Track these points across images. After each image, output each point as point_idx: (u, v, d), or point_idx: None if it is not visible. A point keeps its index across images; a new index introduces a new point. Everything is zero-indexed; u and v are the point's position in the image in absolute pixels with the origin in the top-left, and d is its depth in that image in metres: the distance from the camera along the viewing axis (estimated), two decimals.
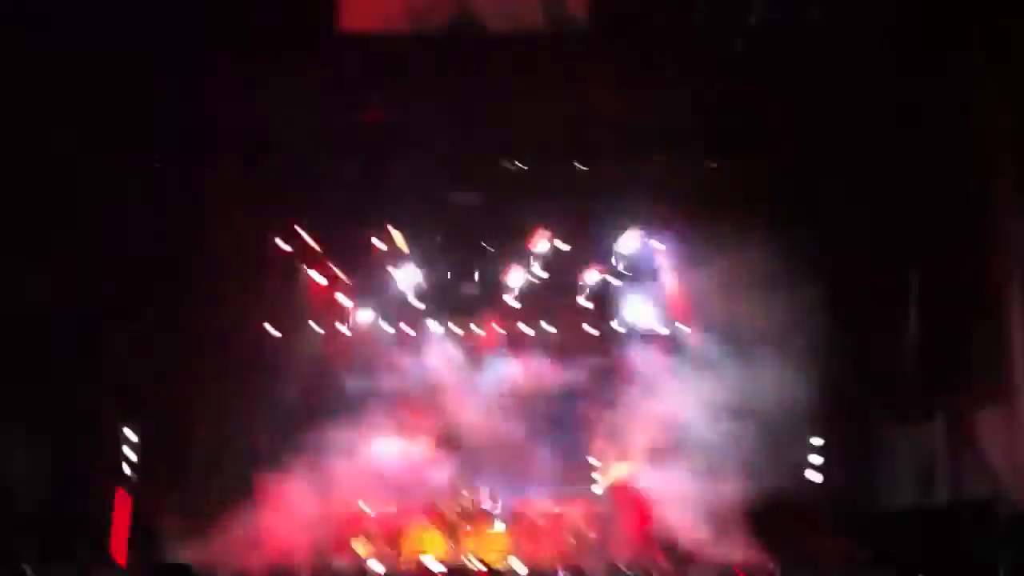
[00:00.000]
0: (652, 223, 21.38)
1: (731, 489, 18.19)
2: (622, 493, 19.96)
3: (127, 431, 18.71)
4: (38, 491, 16.51)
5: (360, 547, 19.29)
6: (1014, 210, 15.24)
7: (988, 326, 15.61)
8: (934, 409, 17.29)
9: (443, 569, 18.51)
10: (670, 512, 18.56)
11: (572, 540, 19.67)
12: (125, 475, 18.51)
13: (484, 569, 17.65)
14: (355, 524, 19.80)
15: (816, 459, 19.17)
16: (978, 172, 15.76)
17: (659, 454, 19.39)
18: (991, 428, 15.94)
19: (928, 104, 16.61)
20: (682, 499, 18.42)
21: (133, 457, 18.86)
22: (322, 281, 22.01)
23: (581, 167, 21.11)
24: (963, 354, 16.27)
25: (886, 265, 17.75)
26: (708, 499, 18.20)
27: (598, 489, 20.84)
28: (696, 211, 20.06)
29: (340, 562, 18.21)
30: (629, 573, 16.51)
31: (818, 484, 19.06)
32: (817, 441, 19.21)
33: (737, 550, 17.35)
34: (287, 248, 21.28)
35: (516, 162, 21.30)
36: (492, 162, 21.25)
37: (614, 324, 22.28)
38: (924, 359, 17.25)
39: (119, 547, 17.98)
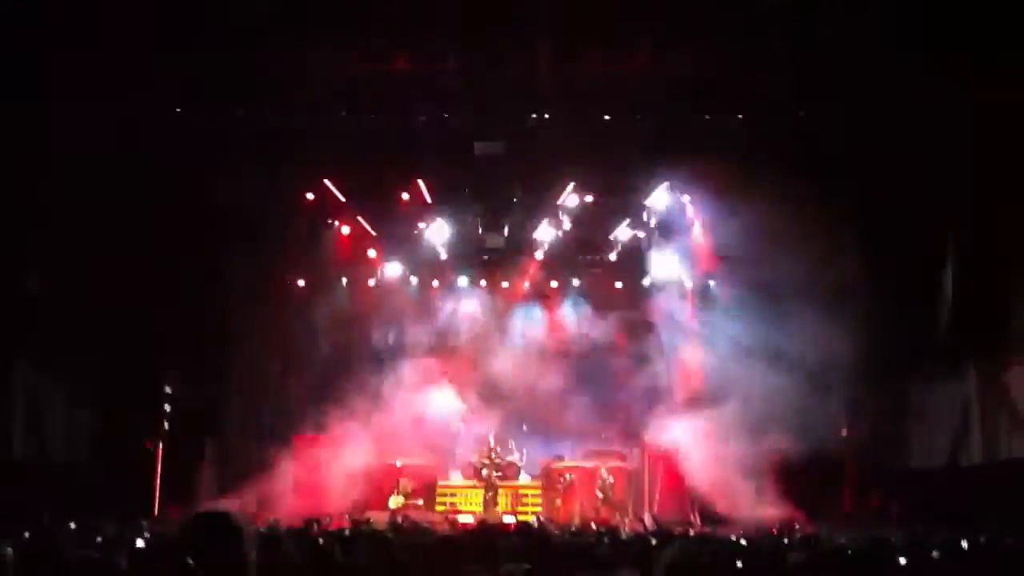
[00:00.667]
0: (682, 176, 21.16)
1: (764, 445, 18.20)
2: (653, 449, 20.04)
3: (166, 387, 18.80)
4: (81, 446, 16.65)
5: (395, 502, 19.47)
6: None
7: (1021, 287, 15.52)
8: (968, 368, 17.24)
9: (473, 521, 18.70)
10: (702, 468, 18.66)
11: (603, 496, 19.80)
12: (164, 430, 18.66)
13: (514, 523, 17.81)
14: (390, 478, 20.00)
15: (849, 415, 19.06)
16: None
17: (690, 410, 19.37)
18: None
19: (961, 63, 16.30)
20: (714, 455, 18.49)
21: (171, 412, 18.98)
22: (349, 233, 22.06)
23: (610, 120, 20.93)
24: (998, 315, 16.14)
25: (923, 223, 17.55)
26: (740, 455, 18.24)
27: (629, 445, 20.93)
28: (727, 164, 19.80)
29: (376, 514, 18.33)
30: (660, 529, 16.58)
31: (851, 440, 18.99)
32: (851, 397, 19.09)
33: (770, 506, 17.44)
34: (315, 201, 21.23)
35: (545, 114, 21.09)
36: (520, 113, 21.06)
37: (644, 279, 22.23)
38: (960, 318, 17.14)
39: (158, 498, 18.23)
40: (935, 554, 7.69)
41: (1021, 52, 14.73)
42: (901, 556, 7.45)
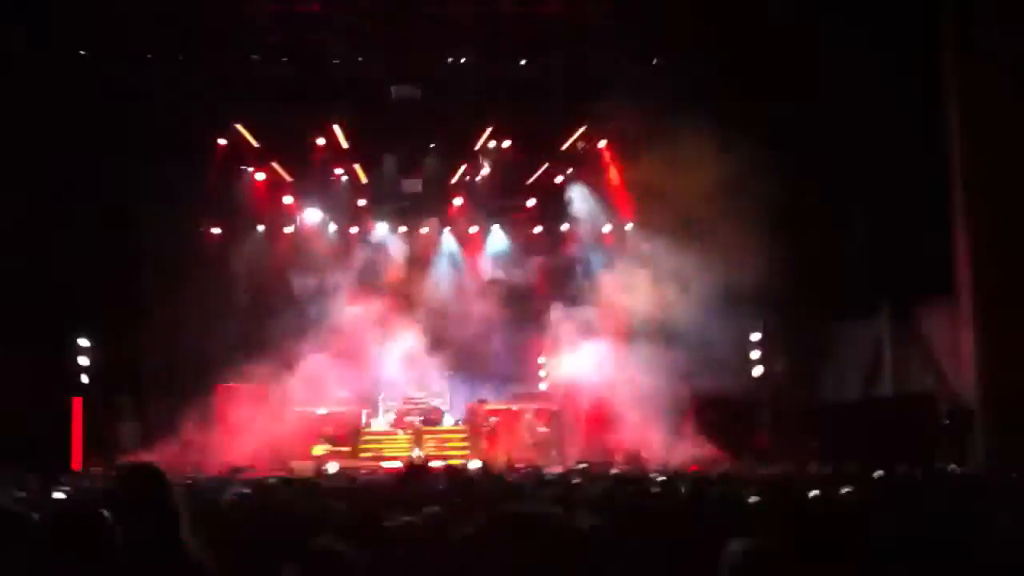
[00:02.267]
0: (598, 120, 21.25)
1: (682, 384, 18.60)
2: (572, 391, 20.32)
3: (81, 342, 18.35)
4: None
5: (319, 450, 19.42)
6: (960, 132, 15.51)
7: (934, 230, 16.00)
8: (881, 309, 17.78)
9: (399, 466, 18.76)
10: (623, 408, 18.99)
11: (529, 438, 20.03)
12: (82, 385, 18.26)
13: (441, 465, 17.93)
14: (313, 427, 19.93)
15: (766, 354, 19.53)
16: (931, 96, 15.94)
17: (606, 352, 19.65)
18: (935, 324, 16.51)
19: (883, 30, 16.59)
20: (635, 395, 18.81)
21: (88, 368, 18.55)
22: (264, 181, 21.71)
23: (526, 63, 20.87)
24: (909, 254, 16.63)
25: (837, 167, 17.90)
26: (661, 395, 18.59)
27: (547, 387, 21.17)
28: (643, 107, 19.91)
29: (300, 463, 18.30)
30: (584, 468, 16.87)
31: (768, 378, 19.49)
32: (763, 337, 19.55)
33: (686, 445, 17.85)
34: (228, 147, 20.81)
35: (462, 58, 20.93)
36: (437, 57, 20.87)
37: (563, 223, 22.36)
38: (872, 258, 17.61)
39: (77, 454, 17.90)
40: (847, 488, 7.97)
41: None
42: (813, 489, 7.70)
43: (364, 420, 20.79)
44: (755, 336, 19.50)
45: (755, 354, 19.46)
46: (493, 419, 20.13)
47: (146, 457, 16.88)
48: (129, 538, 4.13)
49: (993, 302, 14.77)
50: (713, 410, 18.72)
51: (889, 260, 16.97)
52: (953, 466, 12.03)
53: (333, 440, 19.67)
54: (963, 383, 15.34)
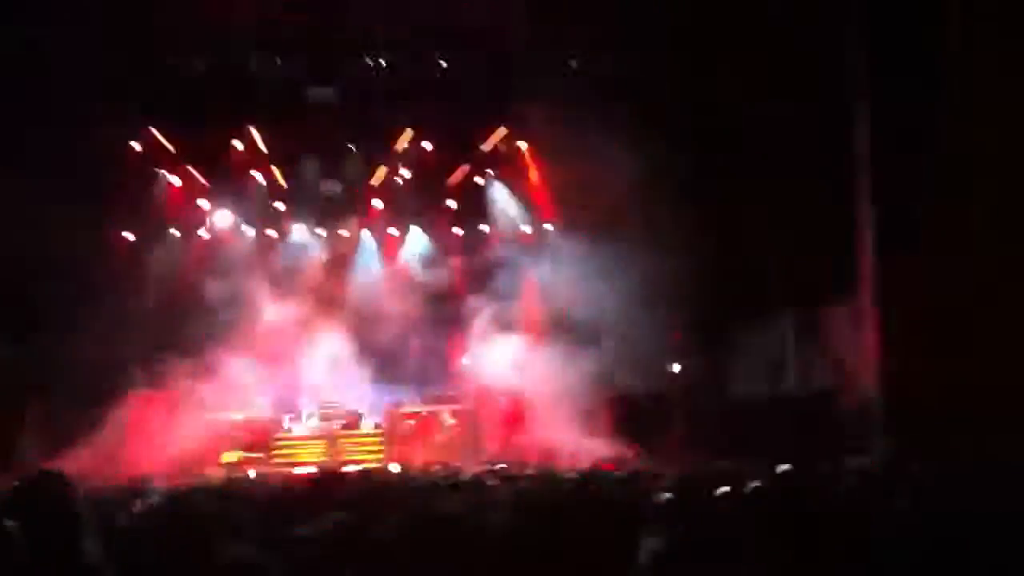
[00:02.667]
0: (518, 121, 21.41)
1: (592, 385, 18.83)
2: (488, 392, 20.42)
3: None
4: None
5: (230, 457, 19.15)
6: (865, 138, 16.02)
7: (837, 231, 16.47)
8: (785, 306, 18.25)
9: (314, 471, 18.61)
10: (535, 409, 19.16)
11: (442, 439, 20.03)
12: None
13: (357, 470, 17.85)
14: (225, 435, 19.64)
15: (673, 353, 19.86)
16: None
17: (523, 352, 19.78)
18: (838, 324, 16.98)
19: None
20: (546, 396, 18.99)
21: None
22: (179, 184, 21.37)
23: (444, 63, 20.97)
24: (813, 254, 17.08)
25: (747, 170, 18.29)
26: (570, 395, 18.79)
27: (465, 388, 21.15)
28: (562, 108, 20.13)
29: (212, 471, 18.02)
30: (497, 468, 16.95)
31: (675, 377, 19.81)
32: (674, 337, 19.88)
33: (599, 444, 18.07)
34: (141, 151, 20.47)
35: (380, 58, 20.94)
36: (354, 58, 20.85)
37: (483, 225, 22.44)
38: (777, 259, 18.06)
39: None
40: (754, 483, 8.15)
41: None
42: (722, 486, 7.86)
43: (286, 425, 20.55)
44: (670, 335, 19.81)
45: (670, 353, 19.79)
46: (409, 422, 20.11)
47: (52, 466, 16.47)
48: (31, 548, 4.08)
49: (892, 299, 15.24)
50: (627, 408, 18.97)
51: (795, 258, 17.40)
52: (857, 460, 12.42)
53: (246, 446, 19.41)
54: (865, 380, 15.82)
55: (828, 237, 16.62)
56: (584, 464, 14.88)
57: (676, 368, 19.85)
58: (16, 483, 4.60)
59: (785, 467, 9.23)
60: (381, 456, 19.69)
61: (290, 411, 20.77)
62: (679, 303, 18.90)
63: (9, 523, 4.03)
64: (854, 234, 16.20)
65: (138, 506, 7.36)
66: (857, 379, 16.16)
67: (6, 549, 4.00)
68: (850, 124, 16.20)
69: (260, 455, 19.43)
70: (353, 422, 20.55)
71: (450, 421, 20.13)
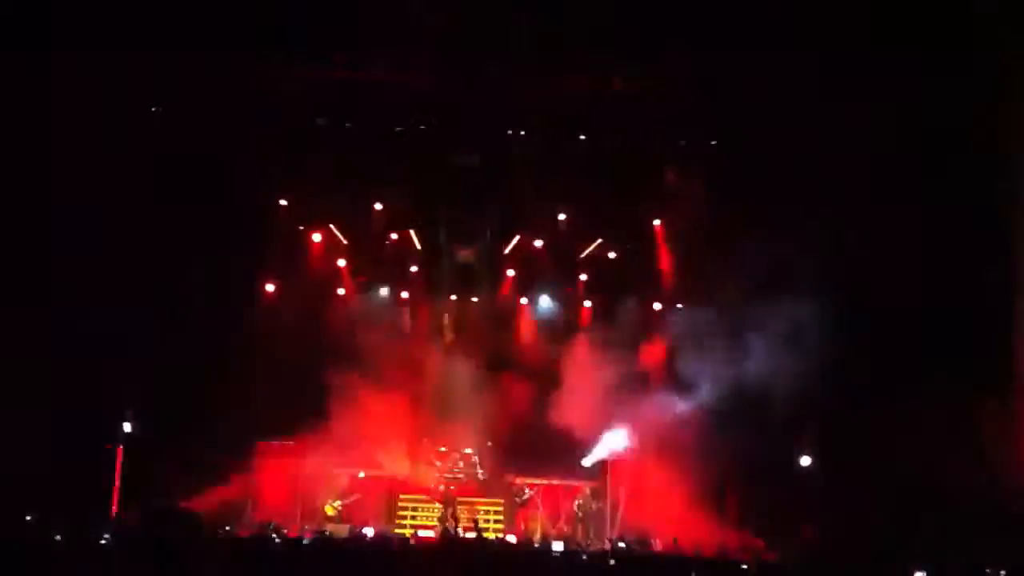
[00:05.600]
0: (654, 201, 21.31)
1: (725, 471, 18.33)
2: (620, 468, 20.10)
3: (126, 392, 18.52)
4: (43, 452, 16.27)
5: (331, 510, 19.24)
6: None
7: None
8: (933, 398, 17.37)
9: (432, 535, 18.63)
10: (663, 490, 18.71)
11: (580, 514, 19.78)
12: (125, 434, 18.38)
13: (474, 536, 17.77)
14: (348, 489, 19.89)
15: (810, 444, 19.10)
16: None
17: (655, 435, 19.39)
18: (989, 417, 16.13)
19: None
20: (678, 476, 18.55)
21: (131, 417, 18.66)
22: (320, 243, 22.03)
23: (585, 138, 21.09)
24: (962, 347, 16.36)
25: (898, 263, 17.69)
26: (701, 479, 18.31)
27: (591, 464, 20.84)
28: (698, 187, 20.00)
29: (334, 526, 18.25)
30: (622, 546, 16.65)
31: (808, 468, 19.02)
32: (810, 426, 19.16)
33: (729, 531, 17.51)
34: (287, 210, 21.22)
35: (521, 131, 21.20)
36: (497, 128, 21.15)
37: (615, 299, 22.28)
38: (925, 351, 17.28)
39: (117, 501, 18.00)
40: None
41: None
42: None
43: (403, 485, 20.59)
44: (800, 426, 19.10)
45: (802, 444, 19.02)
46: (527, 491, 19.91)
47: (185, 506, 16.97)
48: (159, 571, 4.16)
49: None
50: (755, 496, 18.33)
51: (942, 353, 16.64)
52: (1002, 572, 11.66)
53: (344, 497, 19.42)
54: (1016, 480, 14.93)
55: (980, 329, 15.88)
56: (710, 550, 14.46)
57: (805, 462, 19.02)
58: (149, 514, 4.73)
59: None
60: (500, 524, 19.58)
61: (413, 472, 20.83)
62: (814, 393, 18.23)
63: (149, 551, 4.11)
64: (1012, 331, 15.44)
65: (265, 552, 7.42)
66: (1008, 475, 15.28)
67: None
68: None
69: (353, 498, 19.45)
70: (473, 488, 20.47)
71: (589, 496, 19.78)
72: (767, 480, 18.67)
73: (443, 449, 20.74)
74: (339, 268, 22.50)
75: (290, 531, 17.28)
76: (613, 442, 19.97)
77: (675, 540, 16.93)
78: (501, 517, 20.02)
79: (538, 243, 22.37)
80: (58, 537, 9.92)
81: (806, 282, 17.19)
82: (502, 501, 20.41)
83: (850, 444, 17.90)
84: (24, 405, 16.08)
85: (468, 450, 20.79)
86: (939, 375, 16.65)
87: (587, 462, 20.67)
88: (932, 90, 16.55)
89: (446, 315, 22.91)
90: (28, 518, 12.48)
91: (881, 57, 16.67)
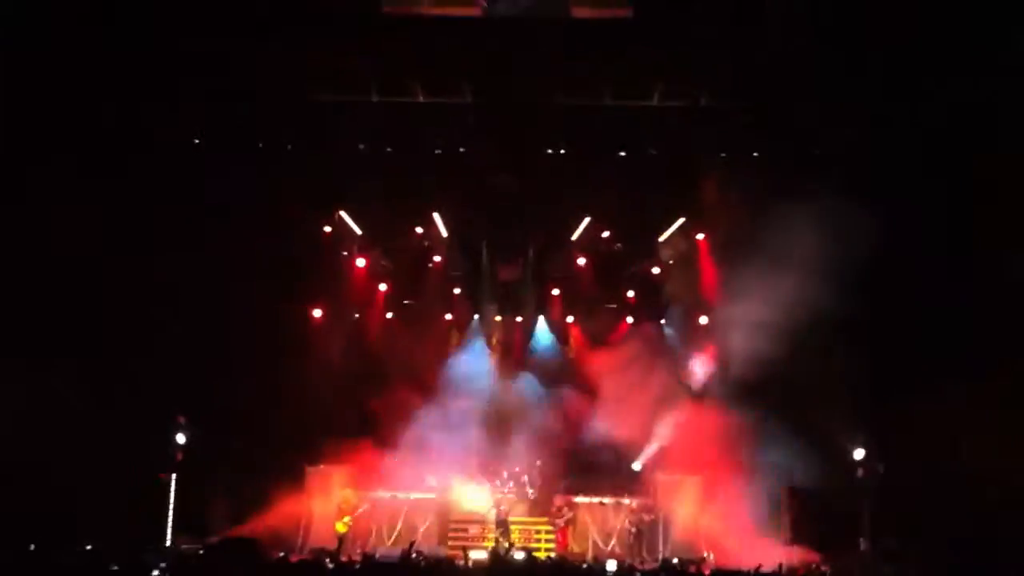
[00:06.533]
0: (696, 212, 21.17)
1: (777, 486, 18.10)
2: (668, 487, 19.94)
3: (178, 420, 18.69)
4: (96, 480, 16.45)
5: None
6: None
7: None
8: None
9: (483, 556, 18.53)
10: (717, 505, 18.53)
11: (635, 531, 19.65)
12: (176, 462, 18.57)
13: (525, 556, 17.66)
14: (398, 512, 19.96)
15: (865, 456, 18.73)
16: None
17: (707, 452, 19.21)
18: None
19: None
20: (730, 493, 18.36)
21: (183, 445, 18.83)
22: (363, 265, 22.16)
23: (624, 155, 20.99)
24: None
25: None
26: (755, 495, 18.11)
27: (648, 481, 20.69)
28: (741, 201, 19.79)
29: (383, 549, 18.27)
30: (675, 564, 16.44)
31: (866, 481, 18.65)
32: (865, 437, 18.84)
33: (785, 546, 17.27)
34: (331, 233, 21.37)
35: (560, 149, 21.17)
36: (535, 148, 21.13)
37: (661, 318, 22.19)
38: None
39: (170, 530, 18.15)
40: None
41: None
42: None
43: (453, 506, 20.56)
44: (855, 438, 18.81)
45: (857, 454, 18.70)
46: (568, 513, 19.80)
47: (235, 532, 17.08)
48: None
49: None
50: (810, 510, 18.05)
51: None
52: None
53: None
54: None
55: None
56: (767, 567, 14.24)
57: (859, 455, 18.62)
58: (212, 546, 4.77)
59: None
60: (552, 544, 19.50)
61: (461, 492, 20.80)
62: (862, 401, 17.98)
63: None
64: None
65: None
66: None
67: None
68: None
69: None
70: (523, 508, 20.40)
71: (623, 514, 19.69)
72: (823, 494, 18.41)
73: (493, 470, 20.68)
74: (381, 292, 22.59)
75: (340, 557, 17.32)
76: (661, 436, 19.82)
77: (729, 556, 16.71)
78: (552, 536, 19.89)
79: (581, 261, 22.35)
80: (115, 568, 10.00)
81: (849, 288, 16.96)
82: (548, 520, 20.27)
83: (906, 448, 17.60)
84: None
85: (517, 469, 20.71)
86: (988, 368, 16.32)
87: (637, 465, 20.57)
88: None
89: (493, 336, 22.96)
90: (87, 547, 12.57)
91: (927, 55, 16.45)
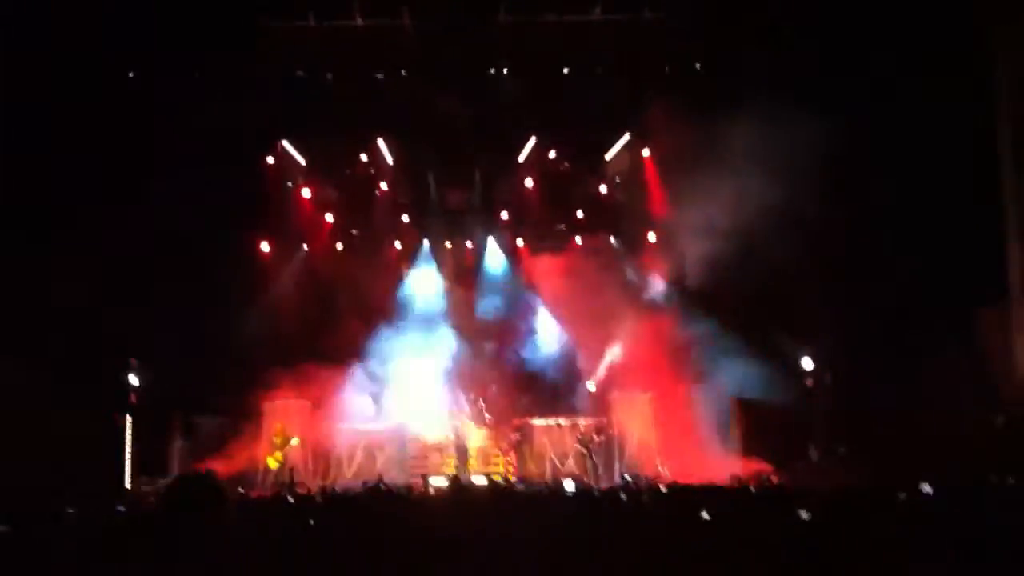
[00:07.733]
0: (642, 130, 21.06)
1: (727, 397, 18.40)
2: (620, 404, 20.18)
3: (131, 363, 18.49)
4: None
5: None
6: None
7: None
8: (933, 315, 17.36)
9: (444, 484, 18.74)
10: (670, 422, 18.83)
11: (584, 451, 19.89)
12: (131, 405, 18.41)
13: (486, 483, 17.89)
14: (355, 443, 20.04)
15: (814, 366, 19.14)
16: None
17: (659, 366, 19.44)
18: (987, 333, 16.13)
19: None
20: (682, 409, 18.64)
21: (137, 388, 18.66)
22: (309, 197, 21.88)
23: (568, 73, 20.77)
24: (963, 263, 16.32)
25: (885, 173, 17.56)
26: (706, 408, 18.40)
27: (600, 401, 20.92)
28: (687, 116, 19.68)
29: (345, 480, 18.42)
30: (631, 481, 16.77)
31: (816, 390, 19.07)
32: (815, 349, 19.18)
33: (737, 458, 17.66)
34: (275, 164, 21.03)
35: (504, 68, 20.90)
36: (480, 69, 20.84)
37: (611, 236, 22.21)
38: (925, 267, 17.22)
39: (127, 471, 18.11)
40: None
41: None
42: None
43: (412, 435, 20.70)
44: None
45: (806, 364, 19.05)
46: (515, 434, 20.04)
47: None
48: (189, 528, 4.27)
49: None
50: (761, 421, 18.43)
51: (943, 269, 16.56)
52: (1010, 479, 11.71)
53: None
54: (1016, 390, 14.97)
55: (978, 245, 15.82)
56: (721, 480, 14.54)
57: (808, 364, 19.04)
58: (171, 484, 4.85)
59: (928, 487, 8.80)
60: (511, 468, 19.76)
61: (419, 420, 20.92)
62: (815, 313, 18.23)
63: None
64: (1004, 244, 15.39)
65: (282, 511, 7.48)
66: (1009, 390, 15.31)
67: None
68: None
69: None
70: (483, 433, 20.59)
71: (593, 434, 19.97)
72: (773, 404, 18.77)
73: (450, 397, 20.78)
74: (328, 223, 22.34)
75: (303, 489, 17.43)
76: (614, 353, 20.01)
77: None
78: (511, 460, 20.12)
79: (529, 183, 22.23)
80: (71, 510, 9.95)
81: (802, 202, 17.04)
82: (509, 444, 20.47)
83: (857, 365, 17.96)
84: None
85: (473, 395, 20.83)
86: (940, 289, 16.62)
87: (591, 385, 20.82)
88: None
89: (443, 262, 22.84)
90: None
91: None
